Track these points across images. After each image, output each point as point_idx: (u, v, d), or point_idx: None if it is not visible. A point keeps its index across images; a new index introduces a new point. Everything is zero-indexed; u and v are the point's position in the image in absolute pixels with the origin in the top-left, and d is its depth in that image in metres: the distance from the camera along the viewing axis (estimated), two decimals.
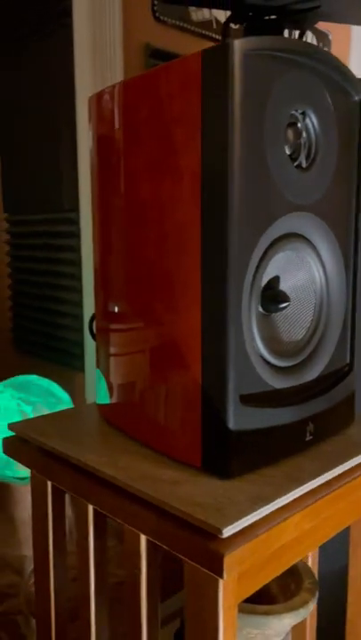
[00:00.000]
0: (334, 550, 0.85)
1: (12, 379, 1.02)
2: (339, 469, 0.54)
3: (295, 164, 0.54)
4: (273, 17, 1.11)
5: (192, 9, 1.47)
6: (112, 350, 0.64)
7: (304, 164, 0.55)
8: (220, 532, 0.42)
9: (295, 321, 0.60)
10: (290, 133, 0.54)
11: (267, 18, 1.12)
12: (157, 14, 1.38)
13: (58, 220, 1.63)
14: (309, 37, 1.99)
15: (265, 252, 0.53)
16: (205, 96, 0.47)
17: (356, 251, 0.63)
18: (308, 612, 0.63)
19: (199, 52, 0.47)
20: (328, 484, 0.53)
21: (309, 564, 0.79)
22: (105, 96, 0.60)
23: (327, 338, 0.62)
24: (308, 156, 0.56)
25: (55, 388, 1.03)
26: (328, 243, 0.60)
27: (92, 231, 0.67)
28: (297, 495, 0.49)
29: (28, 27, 1.50)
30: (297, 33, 1.09)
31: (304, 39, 1.84)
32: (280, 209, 0.52)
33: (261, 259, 0.53)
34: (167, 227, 0.53)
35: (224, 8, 1.14)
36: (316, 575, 0.81)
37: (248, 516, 0.44)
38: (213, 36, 1.54)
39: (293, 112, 0.54)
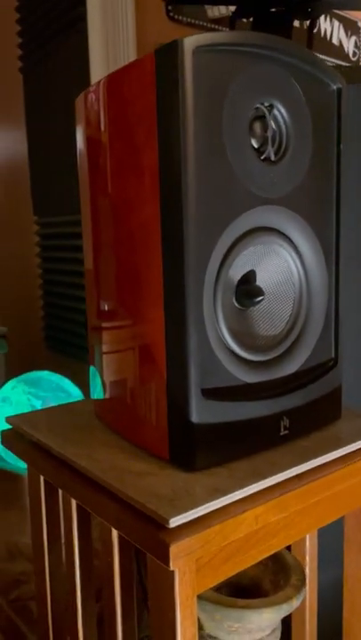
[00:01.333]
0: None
1: (25, 374, 1.06)
2: (309, 464, 0.53)
3: (263, 157, 0.54)
4: (280, 9, 1.10)
5: (208, 6, 1.47)
6: (97, 347, 0.66)
7: (273, 157, 0.55)
8: (168, 522, 0.43)
9: (273, 315, 0.60)
10: (257, 127, 0.54)
11: (274, 10, 1.11)
12: (171, 13, 1.39)
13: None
14: (336, 26, 1.94)
15: (232, 247, 0.53)
16: (159, 94, 0.48)
17: (337, 243, 0.62)
18: (291, 608, 0.62)
19: (153, 51, 0.48)
20: (299, 477, 0.53)
21: (307, 561, 0.78)
22: (88, 95, 0.61)
23: (308, 332, 0.61)
24: (278, 149, 0.56)
25: (66, 383, 1.06)
26: (305, 236, 0.59)
27: (82, 231, 0.69)
28: (258, 488, 0.49)
29: (46, 36, 1.54)
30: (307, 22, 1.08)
31: (324, 28, 1.80)
32: (245, 203, 0.52)
33: (227, 253, 0.53)
34: (134, 225, 0.54)
35: (229, 3, 1.14)
36: (316, 573, 0.80)
37: (199, 508, 0.44)
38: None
39: (259, 105, 0.54)
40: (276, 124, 0.55)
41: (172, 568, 0.42)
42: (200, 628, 0.65)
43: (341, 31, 1.97)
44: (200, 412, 0.50)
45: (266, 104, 0.54)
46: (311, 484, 0.53)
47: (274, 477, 0.50)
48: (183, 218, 0.48)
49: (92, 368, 0.72)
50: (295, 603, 0.62)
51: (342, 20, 1.96)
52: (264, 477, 0.50)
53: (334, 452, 0.56)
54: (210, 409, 0.51)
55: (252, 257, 0.57)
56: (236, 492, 0.47)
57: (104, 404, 0.66)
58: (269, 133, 0.54)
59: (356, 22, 2.03)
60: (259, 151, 0.54)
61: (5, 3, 1.84)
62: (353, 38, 2.02)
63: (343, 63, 1.98)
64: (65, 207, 1.74)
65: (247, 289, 0.57)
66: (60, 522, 0.70)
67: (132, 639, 0.57)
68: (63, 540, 0.70)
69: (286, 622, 0.92)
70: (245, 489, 0.48)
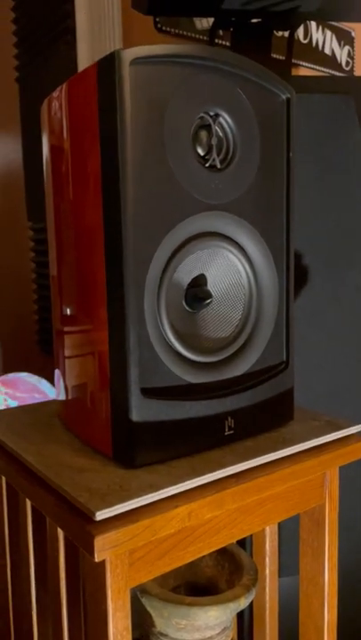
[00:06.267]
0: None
1: (4, 376, 1.09)
2: (247, 464, 0.55)
3: (208, 164, 0.56)
4: (258, 20, 1.12)
5: (196, 18, 1.49)
6: (58, 349, 0.68)
7: (219, 165, 0.57)
8: (94, 515, 0.44)
9: (223, 318, 0.61)
10: (203, 135, 0.56)
11: (253, 21, 1.13)
12: (159, 25, 1.41)
13: None
14: (328, 36, 1.96)
15: (176, 250, 0.55)
16: (100, 103, 0.50)
17: (288, 247, 0.64)
18: (239, 607, 0.63)
19: (97, 62, 0.50)
20: (236, 476, 0.54)
21: (267, 562, 0.79)
22: (50, 102, 0.63)
23: (257, 334, 0.62)
24: (225, 157, 0.57)
25: (44, 385, 1.08)
26: (254, 240, 0.61)
27: (48, 238, 0.71)
28: (193, 485, 0.50)
29: (40, 46, 1.58)
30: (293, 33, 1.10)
31: (316, 38, 1.81)
32: (188, 209, 0.54)
33: (172, 256, 0.54)
34: (83, 230, 0.56)
35: (208, 15, 1.16)
36: (276, 574, 0.81)
37: (128, 502, 0.46)
38: (221, 42, 1.56)
39: (203, 114, 0.55)
40: (222, 133, 0.57)
41: (97, 559, 0.43)
42: (152, 625, 0.66)
43: (334, 41, 1.99)
44: (140, 410, 0.52)
45: (211, 113, 0.56)
46: (249, 482, 0.54)
47: (210, 475, 0.51)
48: (122, 222, 0.50)
49: (56, 371, 0.74)
50: (244, 602, 0.63)
51: (335, 30, 1.98)
52: (200, 475, 0.51)
53: (276, 453, 0.57)
54: (150, 408, 0.53)
55: (201, 261, 0.59)
56: (169, 489, 0.48)
57: (62, 403, 0.67)
58: (214, 142, 0.56)
59: (349, 32, 2.05)
60: (204, 159, 0.56)
61: (4, 14, 1.89)
62: (346, 48, 2.04)
63: (336, 73, 2.00)
64: None
65: (195, 292, 0.58)
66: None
67: (78, 629, 0.58)
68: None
69: (249, 623, 0.93)
70: (178, 485, 0.49)
